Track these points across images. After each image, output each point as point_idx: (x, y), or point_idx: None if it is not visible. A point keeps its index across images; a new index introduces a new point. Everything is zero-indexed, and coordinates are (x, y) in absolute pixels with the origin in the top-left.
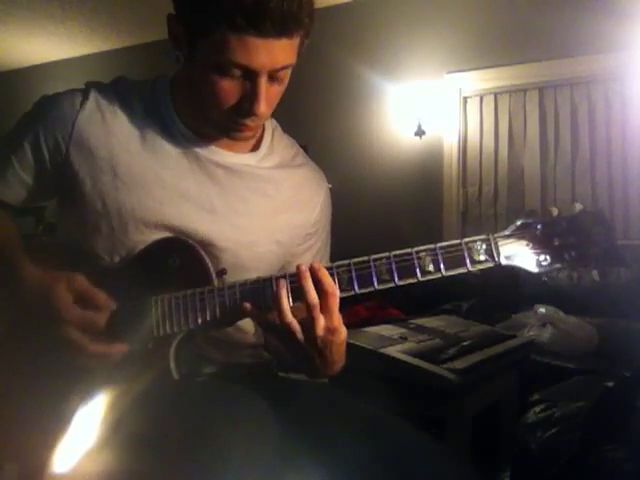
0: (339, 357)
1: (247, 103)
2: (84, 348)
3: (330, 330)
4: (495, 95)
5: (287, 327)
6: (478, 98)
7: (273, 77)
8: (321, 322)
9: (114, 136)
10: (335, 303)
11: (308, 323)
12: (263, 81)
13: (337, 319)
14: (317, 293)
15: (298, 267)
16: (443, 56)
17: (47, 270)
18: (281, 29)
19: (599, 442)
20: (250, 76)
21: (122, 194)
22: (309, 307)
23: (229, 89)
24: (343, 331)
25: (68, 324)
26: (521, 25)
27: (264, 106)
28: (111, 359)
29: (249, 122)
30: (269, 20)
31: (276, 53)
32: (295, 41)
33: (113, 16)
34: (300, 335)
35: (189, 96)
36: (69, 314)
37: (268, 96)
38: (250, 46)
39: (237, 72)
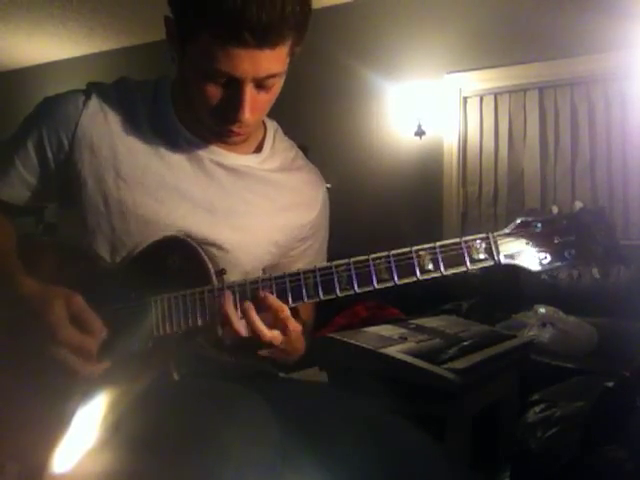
0: (302, 346)
1: (231, 110)
2: (76, 371)
3: (289, 341)
4: (495, 95)
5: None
6: (478, 98)
7: (260, 85)
8: (278, 339)
9: (117, 136)
10: (284, 318)
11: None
12: (248, 89)
13: (292, 327)
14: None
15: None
16: (443, 56)
17: (44, 282)
18: (261, 40)
19: (599, 442)
20: (234, 83)
21: (124, 194)
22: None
23: (215, 94)
24: (299, 329)
25: (61, 345)
26: (521, 25)
27: (248, 113)
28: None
29: (235, 128)
30: (248, 31)
31: (260, 62)
32: (281, 51)
33: (113, 16)
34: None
35: (186, 98)
36: (63, 334)
37: (254, 103)
38: (232, 55)
39: (222, 79)
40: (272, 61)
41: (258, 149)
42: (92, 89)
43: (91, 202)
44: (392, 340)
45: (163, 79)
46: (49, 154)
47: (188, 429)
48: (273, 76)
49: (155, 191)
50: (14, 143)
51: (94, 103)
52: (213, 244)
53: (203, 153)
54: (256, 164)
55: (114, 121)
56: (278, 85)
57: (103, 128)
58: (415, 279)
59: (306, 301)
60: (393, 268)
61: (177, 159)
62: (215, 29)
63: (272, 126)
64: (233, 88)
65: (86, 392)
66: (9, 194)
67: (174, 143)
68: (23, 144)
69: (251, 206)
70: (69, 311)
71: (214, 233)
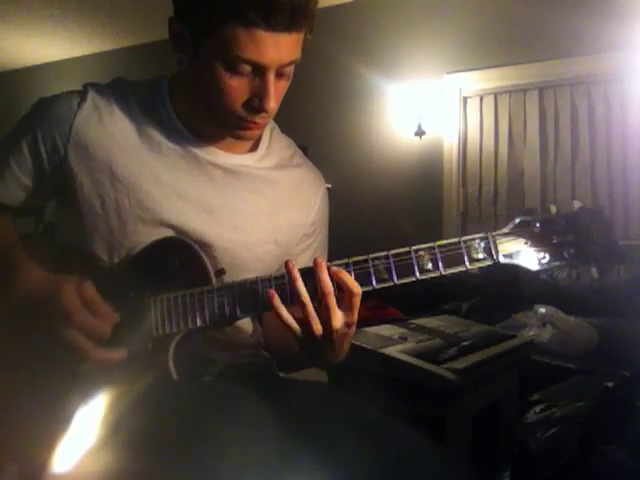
0: (348, 346)
1: (257, 100)
2: (88, 353)
3: (348, 325)
4: (495, 95)
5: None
6: (478, 98)
7: (280, 73)
8: (338, 317)
9: (112, 137)
10: (358, 301)
11: (325, 318)
12: (272, 77)
13: (356, 315)
14: (340, 292)
15: (287, 265)
16: (443, 56)
17: (52, 272)
18: (291, 22)
19: (599, 442)
20: (259, 72)
21: (120, 194)
22: (305, 307)
23: (239, 87)
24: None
25: (74, 327)
26: (521, 25)
27: (274, 102)
28: (111, 364)
29: (258, 119)
30: (280, 13)
31: (284, 48)
32: (302, 35)
33: (113, 16)
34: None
35: (191, 97)
36: (77, 317)
37: (276, 92)
38: (260, 41)
39: (246, 68)
40: (294, 46)
41: (254, 148)
42: (88, 90)
43: (88, 203)
44: (392, 340)
45: (159, 79)
46: (43, 155)
47: (187, 429)
48: (293, 62)
49: (152, 191)
50: (9, 143)
51: (89, 104)
52: (211, 244)
53: (200, 153)
54: (252, 163)
55: (109, 121)
56: (292, 73)
57: (98, 129)
58: (414, 279)
59: None
60: (392, 268)
61: (174, 159)
62: (245, 14)
63: (269, 124)
64: (257, 78)
65: (86, 392)
66: (5, 195)
67: (171, 143)
68: (18, 145)
69: (249, 205)
70: (80, 297)
71: (212, 233)
